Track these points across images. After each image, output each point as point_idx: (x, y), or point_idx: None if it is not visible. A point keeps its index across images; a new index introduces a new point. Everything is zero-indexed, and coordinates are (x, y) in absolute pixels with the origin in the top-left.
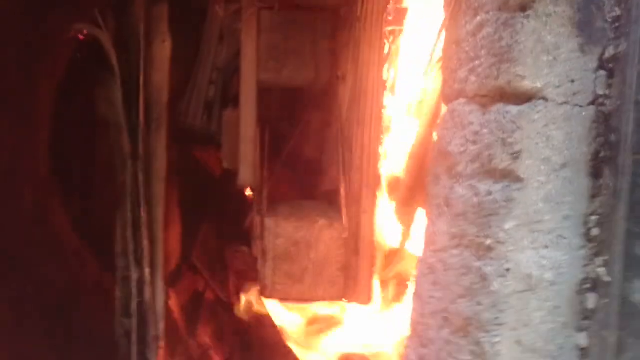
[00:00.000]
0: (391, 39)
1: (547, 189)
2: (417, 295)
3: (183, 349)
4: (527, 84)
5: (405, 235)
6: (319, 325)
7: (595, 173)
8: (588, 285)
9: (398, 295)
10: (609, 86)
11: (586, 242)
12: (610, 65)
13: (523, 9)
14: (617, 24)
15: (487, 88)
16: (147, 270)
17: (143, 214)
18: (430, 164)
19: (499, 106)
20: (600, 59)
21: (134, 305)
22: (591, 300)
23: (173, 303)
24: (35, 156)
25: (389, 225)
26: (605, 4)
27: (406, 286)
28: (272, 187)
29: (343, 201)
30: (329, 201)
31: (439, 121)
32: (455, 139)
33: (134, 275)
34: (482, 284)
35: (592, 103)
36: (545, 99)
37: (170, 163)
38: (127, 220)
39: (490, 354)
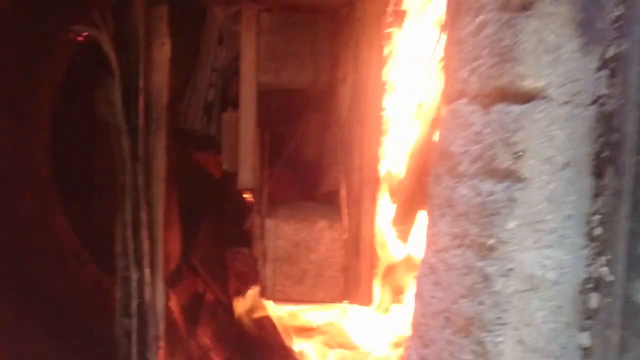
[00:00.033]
0: (391, 40)
1: (549, 188)
2: (418, 296)
3: (183, 350)
4: (529, 84)
5: (406, 236)
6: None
7: (598, 173)
8: (591, 285)
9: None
10: (611, 86)
11: (589, 242)
12: (612, 65)
13: (524, 8)
14: (618, 24)
15: (489, 88)
16: (147, 271)
17: (143, 214)
18: (432, 164)
19: (501, 106)
20: (602, 59)
21: (134, 305)
22: (594, 300)
23: (173, 304)
24: (35, 157)
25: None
26: (607, 3)
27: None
28: (272, 188)
29: (343, 202)
30: (329, 202)
31: (440, 121)
32: (457, 139)
33: (134, 276)
34: (485, 283)
35: (594, 103)
36: (547, 98)
37: (169, 164)
38: (127, 221)
39: (492, 354)
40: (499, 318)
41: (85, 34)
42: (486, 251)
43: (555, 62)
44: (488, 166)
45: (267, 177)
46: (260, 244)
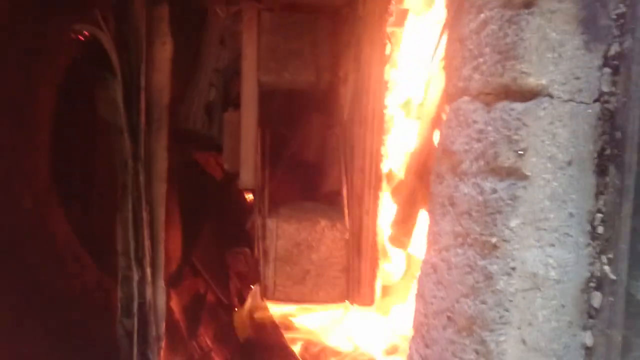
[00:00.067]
0: (392, 39)
1: (552, 186)
2: (420, 295)
3: (184, 351)
4: (532, 81)
5: (407, 236)
6: None
7: (600, 171)
8: (593, 284)
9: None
10: (614, 83)
11: (591, 240)
12: (615, 63)
13: (527, 5)
14: (621, 21)
15: (492, 85)
16: (148, 270)
17: (144, 213)
18: (434, 163)
19: (504, 103)
20: (605, 56)
21: (135, 305)
22: (596, 299)
23: (174, 304)
24: (35, 158)
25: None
26: (609, 1)
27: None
28: (273, 188)
29: (345, 202)
30: (331, 203)
31: (442, 119)
32: (459, 137)
33: (135, 276)
34: (487, 282)
35: (597, 100)
36: (550, 95)
37: (170, 164)
38: (128, 220)
39: (495, 353)
40: (502, 317)
41: (86, 33)
42: (488, 250)
43: (558, 60)
44: (490, 164)
45: (268, 177)
46: (261, 244)
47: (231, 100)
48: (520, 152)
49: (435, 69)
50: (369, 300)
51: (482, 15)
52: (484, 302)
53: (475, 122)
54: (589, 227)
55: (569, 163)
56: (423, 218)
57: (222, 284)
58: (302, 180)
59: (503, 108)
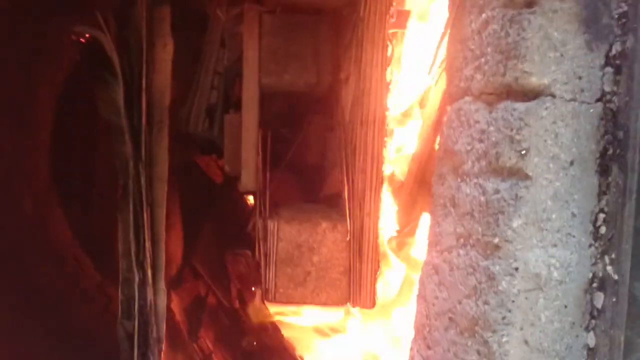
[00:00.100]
0: (394, 40)
1: (555, 186)
2: (422, 297)
3: (185, 353)
4: (534, 81)
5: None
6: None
7: (603, 171)
8: (596, 284)
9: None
10: (616, 83)
11: (594, 241)
12: (617, 62)
13: (529, 5)
14: (623, 20)
15: (494, 85)
16: (149, 272)
17: (145, 215)
18: (436, 163)
19: (506, 103)
20: (607, 56)
21: (135, 307)
22: (599, 299)
23: (174, 306)
24: (35, 159)
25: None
26: (611, 0)
27: None
28: (274, 190)
29: (346, 203)
30: (332, 205)
31: (444, 120)
32: (461, 137)
33: (136, 277)
34: (489, 283)
35: (600, 100)
36: (552, 95)
37: (171, 166)
38: (129, 222)
39: (497, 354)
40: (504, 318)
41: (87, 35)
42: (491, 250)
43: (560, 59)
44: (492, 164)
45: (269, 178)
46: (262, 245)
47: (232, 102)
48: (522, 152)
49: (437, 71)
50: (370, 303)
51: (484, 15)
52: (486, 303)
53: (477, 122)
54: (591, 228)
55: (572, 163)
56: (424, 220)
57: (222, 286)
58: (303, 182)
59: (505, 108)
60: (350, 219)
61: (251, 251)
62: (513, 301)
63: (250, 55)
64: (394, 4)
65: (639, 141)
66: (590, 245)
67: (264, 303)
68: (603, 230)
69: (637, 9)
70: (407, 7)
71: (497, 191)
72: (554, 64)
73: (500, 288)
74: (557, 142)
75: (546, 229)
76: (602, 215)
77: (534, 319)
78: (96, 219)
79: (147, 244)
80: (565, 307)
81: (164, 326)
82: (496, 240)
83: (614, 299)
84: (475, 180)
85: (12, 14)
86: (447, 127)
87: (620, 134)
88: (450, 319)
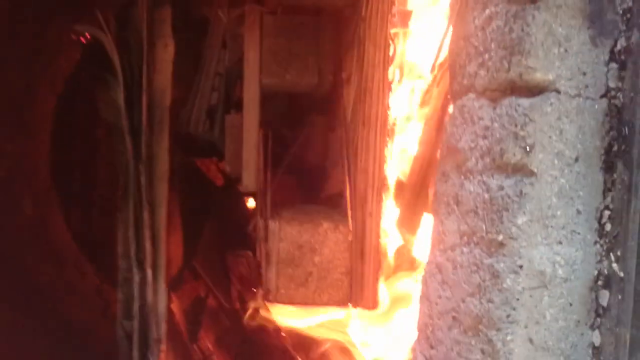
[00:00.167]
0: (396, 40)
1: (560, 183)
2: (425, 296)
3: (184, 354)
4: (538, 76)
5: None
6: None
7: (609, 167)
8: (601, 282)
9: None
10: (621, 79)
11: (599, 238)
12: (622, 58)
13: (533, 0)
14: (628, 15)
15: (498, 81)
16: (149, 272)
17: (145, 214)
18: (439, 162)
19: (510, 99)
20: (612, 51)
21: (135, 307)
22: (604, 297)
23: (175, 307)
24: (35, 162)
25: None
26: None
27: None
28: (276, 191)
29: (348, 204)
30: (334, 205)
31: (447, 118)
32: (465, 135)
33: (136, 277)
34: (494, 281)
35: (604, 96)
36: (557, 91)
37: (171, 166)
38: (130, 222)
39: (502, 352)
40: (509, 316)
41: (88, 34)
42: (495, 248)
43: (565, 55)
44: (497, 161)
45: (270, 179)
46: (263, 246)
47: (233, 103)
48: (527, 148)
49: (439, 70)
50: (372, 304)
51: (487, 11)
52: (490, 301)
53: (480, 119)
54: (596, 225)
55: (576, 159)
56: (427, 220)
57: (223, 287)
58: (305, 183)
59: (509, 104)
60: (352, 220)
61: (252, 252)
62: (517, 299)
63: (252, 56)
64: (396, 3)
65: None
66: (595, 243)
67: (264, 304)
68: (608, 227)
69: None
70: (409, 6)
71: (501, 188)
72: (558, 59)
73: (504, 286)
74: (561, 138)
75: (551, 226)
76: (607, 212)
77: (538, 317)
78: (96, 219)
79: (147, 244)
80: (570, 305)
81: (164, 326)
82: (500, 237)
83: (620, 297)
84: (479, 178)
85: (12, 14)
86: (451, 124)
87: (625, 130)
88: (453, 317)
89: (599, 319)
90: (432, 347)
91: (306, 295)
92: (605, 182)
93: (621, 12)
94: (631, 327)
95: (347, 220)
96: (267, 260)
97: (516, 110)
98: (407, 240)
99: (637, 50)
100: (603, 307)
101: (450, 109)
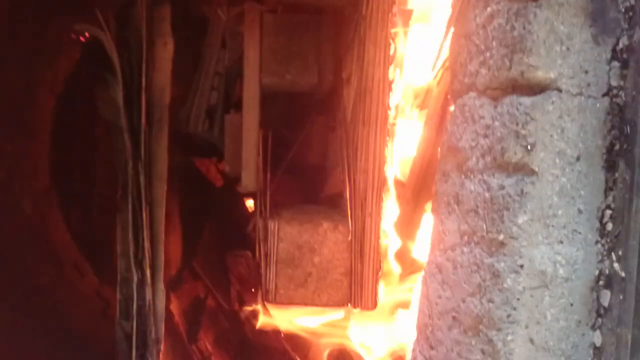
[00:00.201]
0: (397, 39)
1: (561, 182)
2: (425, 296)
3: (184, 354)
4: (540, 75)
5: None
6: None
7: (610, 166)
8: (602, 282)
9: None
10: (623, 77)
11: (600, 237)
12: (624, 56)
13: None
14: (630, 14)
15: (499, 80)
16: (147, 272)
17: (144, 214)
18: (439, 161)
19: (512, 98)
20: (614, 50)
21: (134, 307)
22: (606, 297)
23: (174, 308)
24: (35, 164)
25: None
26: None
27: None
28: (275, 191)
29: (348, 204)
30: (333, 205)
31: (448, 117)
32: (466, 133)
33: (135, 277)
34: (494, 280)
35: (606, 94)
36: (559, 89)
37: (170, 165)
38: (128, 221)
39: (502, 353)
40: (509, 316)
41: (87, 33)
42: (495, 247)
43: (567, 53)
44: (497, 160)
45: (270, 179)
46: (262, 246)
47: (233, 103)
48: (528, 147)
49: (440, 69)
50: (371, 304)
51: (489, 9)
52: (491, 301)
53: (481, 117)
54: (598, 224)
55: (578, 158)
56: (427, 220)
57: (222, 288)
58: (304, 183)
59: (510, 102)
60: (351, 220)
61: (251, 252)
62: (518, 299)
63: (251, 55)
64: (397, 2)
65: None
66: (596, 242)
67: (264, 304)
68: (610, 226)
69: None
70: (409, 6)
71: (502, 187)
72: (560, 57)
73: (505, 285)
74: (563, 137)
75: (552, 226)
76: (608, 212)
77: (539, 317)
78: (96, 219)
79: (146, 244)
80: (571, 305)
81: (162, 327)
82: (501, 237)
83: (621, 297)
84: (480, 177)
85: (12, 14)
86: (451, 123)
87: (627, 129)
88: (453, 318)
89: (600, 319)
90: (432, 348)
91: (305, 296)
92: (606, 181)
93: (623, 10)
94: (633, 327)
95: (346, 221)
96: (266, 261)
97: (517, 109)
98: (405, 242)
99: (639, 48)
100: (604, 307)
101: (451, 108)
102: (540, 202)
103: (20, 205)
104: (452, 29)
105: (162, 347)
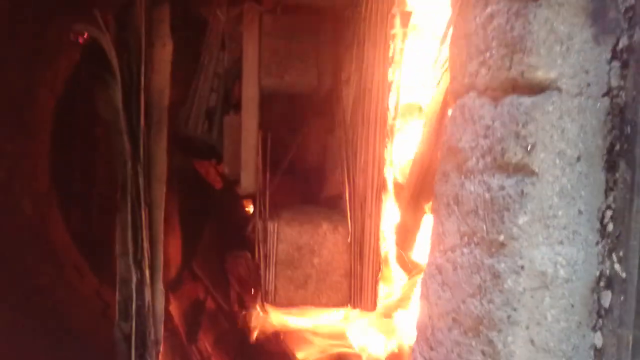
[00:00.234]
0: (396, 40)
1: (561, 183)
2: (424, 298)
3: (183, 355)
4: (540, 74)
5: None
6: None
7: (610, 167)
8: (603, 283)
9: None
10: (623, 77)
11: (601, 238)
12: (624, 56)
13: None
14: (630, 14)
15: (499, 80)
16: (147, 273)
17: (143, 215)
18: (439, 162)
19: (512, 98)
20: (614, 50)
21: (133, 308)
22: (606, 298)
23: (173, 309)
24: (35, 165)
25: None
26: None
27: None
28: (274, 193)
29: (347, 205)
30: (333, 206)
31: (447, 118)
32: (466, 134)
33: (134, 277)
34: (494, 281)
35: (607, 94)
36: (559, 89)
37: (170, 167)
38: (127, 222)
39: (502, 354)
40: (509, 317)
41: (86, 34)
42: (496, 248)
43: (567, 53)
44: (498, 160)
45: (269, 180)
46: (262, 247)
47: (232, 104)
48: (528, 147)
49: (439, 70)
50: (371, 305)
51: (489, 9)
52: (491, 302)
53: (481, 118)
54: (598, 225)
55: (578, 159)
56: (427, 222)
57: (222, 289)
58: (304, 184)
59: (511, 102)
60: (351, 221)
61: (251, 253)
62: (519, 300)
63: (250, 56)
64: (396, 3)
65: None
66: (597, 243)
67: (263, 306)
68: (610, 227)
69: None
70: (409, 7)
71: (502, 188)
72: (560, 57)
73: (505, 286)
74: (563, 137)
75: (552, 226)
76: (609, 212)
77: (540, 318)
78: (96, 219)
79: (145, 245)
80: (572, 306)
81: (161, 328)
82: (501, 237)
83: (622, 298)
84: (480, 177)
85: (12, 14)
86: (451, 124)
87: (628, 129)
88: (453, 319)
89: (600, 320)
90: (431, 349)
91: (305, 297)
92: (607, 182)
93: (623, 10)
94: (633, 329)
95: (346, 222)
96: (265, 262)
97: (517, 109)
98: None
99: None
100: (605, 308)
101: (450, 109)
102: (541, 203)
103: (20, 205)
104: (451, 29)
105: (161, 348)
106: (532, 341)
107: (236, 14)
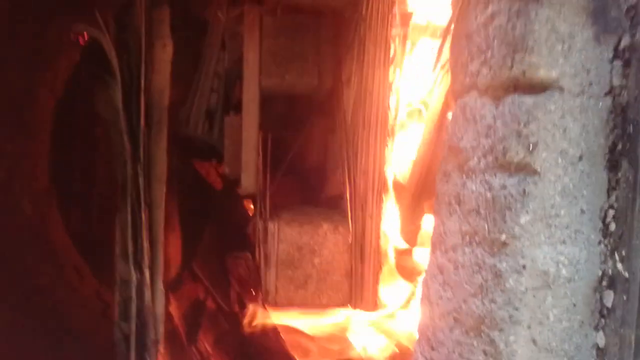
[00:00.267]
0: (397, 41)
1: (563, 182)
2: (426, 298)
3: (183, 356)
4: (542, 73)
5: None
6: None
7: (612, 166)
8: (606, 282)
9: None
10: (625, 76)
11: (603, 237)
12: (626, 55)
13: None
14: (632, 13)
15: (501, 79)
16: (147, 273)
17: (143, 215)
18: (441, 161)
19: (513, 97)
20: (616, 49)
21: (133, 308)
22: (609, 298)
23: (173, 309)
24: (35, 165)
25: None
26: None
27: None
28: (275, 193)
29: (348, 205)
30: (333, 206)
31: (449, 118)
32: (467, 133)
33: (134, 278)
34: (496, 281)
35: (609, 94)
36: (561, 89)
37: (170, 167)
38: (127, 222)
39: (504, 354)
40: (511, 316)
41: (86, 34)
42: (497, 247)
43: (569, 52)
44: (499, 160)
45: (270, 180)
46: (262, 248)
47: (232, 104)
48: (530, 146)
49: (440, 71)
50: (372, 306)
51: (490, 9)
52: (493, 301)
53: (483, 117)
54: (600, 224)
55: (580, 158)
56: (428, 222)
57: (222, 290)
58: (304, 184)
59: (512, 102)
60: (352, 221)
61: (251, 254)
62: (520, 299)
63: (251, 57)
64: (396, 4)
65: None
66: (599, 242)
67: (264, 306)
68: (613, 226)
69: None
70: (409, 8)
71: (504, 187)
72: (561, 56)
73: (507, 286)
74: (565, 136)
75: (554, 225)
76: (611, 212)
77: (542, 317)
78: (96, 220)
79: (145, 245)
80: (574, 305)
81: (161, 328)
82: (503, 237)
83: (625, 297)
84: (482, 177)
85: (12, 14)
86: (452, 124)
87: (630, 128)
88: (455, 319)
89: (603, 320)
90: (433, 349)
91: (305, 297)
92: (609, 181)
93: (625, 9)
94: (636, 328)
95: (347, 222)
96: (266, 262)
97: (519, 108)
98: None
99: None
100: (607, 308)
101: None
102: (543, 202)
103: (20, 205)
104: (452, 29)
105: (161, 348)
106: (534, 341)
107: (236, 14)
